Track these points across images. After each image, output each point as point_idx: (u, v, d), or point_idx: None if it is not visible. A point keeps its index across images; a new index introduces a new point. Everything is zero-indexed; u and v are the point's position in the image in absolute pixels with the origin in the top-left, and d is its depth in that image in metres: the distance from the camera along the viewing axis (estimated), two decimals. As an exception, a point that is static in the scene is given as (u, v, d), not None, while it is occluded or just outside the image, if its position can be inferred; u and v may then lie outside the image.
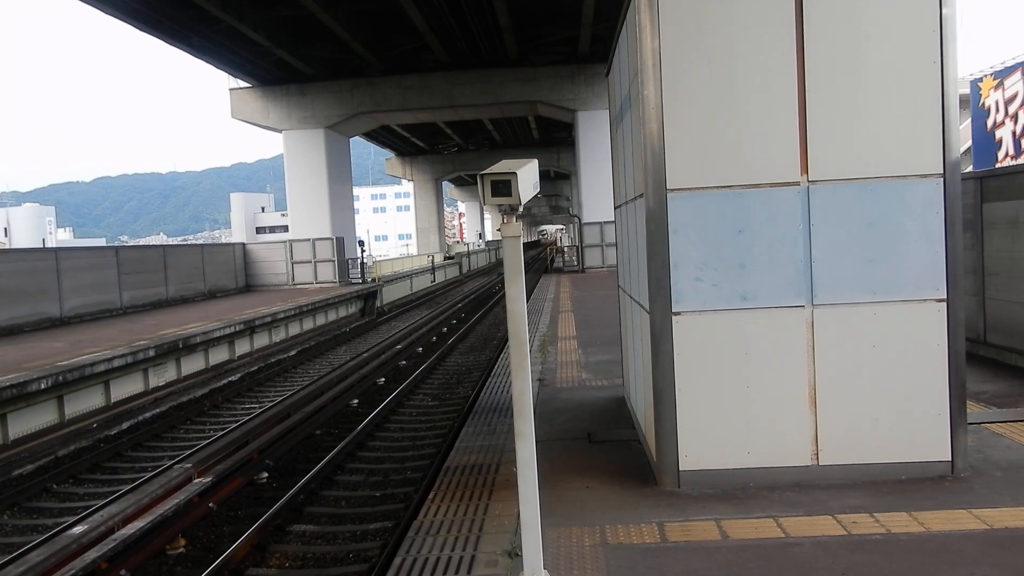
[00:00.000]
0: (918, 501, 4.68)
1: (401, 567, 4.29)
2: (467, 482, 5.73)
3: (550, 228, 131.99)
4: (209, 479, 8.76)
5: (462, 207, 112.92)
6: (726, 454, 5.13)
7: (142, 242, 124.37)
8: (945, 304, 5.01)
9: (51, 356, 13.50)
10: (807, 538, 4.27)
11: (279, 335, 21.06)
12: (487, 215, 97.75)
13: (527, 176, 3.17)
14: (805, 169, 5.03)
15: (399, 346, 19.14)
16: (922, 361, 5.03)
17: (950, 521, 4.38)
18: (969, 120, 20.95)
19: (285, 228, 53.14)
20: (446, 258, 53.16)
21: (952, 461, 5.05)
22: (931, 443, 5.05)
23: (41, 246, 64.26)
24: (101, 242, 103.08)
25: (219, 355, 17.61)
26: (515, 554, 4.25)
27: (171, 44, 28.30)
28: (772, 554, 4.12)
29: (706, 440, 5.13)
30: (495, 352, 17.37)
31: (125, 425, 12.37)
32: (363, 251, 34.78)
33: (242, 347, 18.76)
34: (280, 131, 34.41)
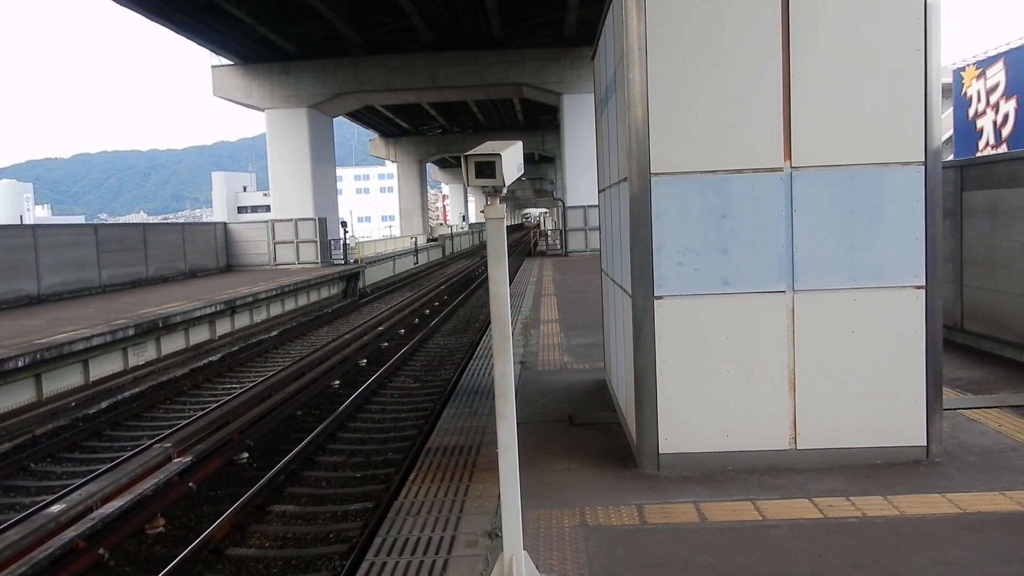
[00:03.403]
0: (893, 485, 4.74)
1: (381, 547, 4.31)
2: (448, 463, 5.75)
3: (534, 211, 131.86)
4: (189, 459, 8.73)
5: (446, 189, 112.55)
6: (706, 437, 5.17)
7: (122, 220, 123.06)
8: (924, 291, 5.06)
9: (28, 334, 13.36)
10: (784, 521, 4.33)
11: (260, 315, 20.95)
12: (471, 197, 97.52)
13: (511, 158, 3.16)
14: (788, 155, 5.04)
15: (381, 328, 19.09)
16: (900, 347, 5.08)
17: (924, 505, 4.45)
18: (951, 109, 21.09)
19: (267, 208, 52.81)
20: (429, 240, 53.06)
21: (927, 446, 5.12)
22: (907, 428, 5.12)
23: (18, 223, 63.49)
24: (80, 220, 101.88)
25: (199, 335, 17.49)
26: (495, 535, 4.27)
27: (152, 20, 27.90)
28: (749, 536, 4.17)
29: (686, 423, 5.17)
30: (477, 335, 17.38)
31: (104, 404, 12.28)
32: (346, 232, 34.62)
33: (223, 327, 18.65)
34: (263, 110, 34.09)
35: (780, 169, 5.06)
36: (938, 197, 5.04)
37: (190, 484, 8.03)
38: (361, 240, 43.54)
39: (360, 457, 9.13)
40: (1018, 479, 4.79)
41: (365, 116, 48.91)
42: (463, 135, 57.39)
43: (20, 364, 11.49)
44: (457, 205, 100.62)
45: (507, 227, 3.56)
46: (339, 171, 56.89)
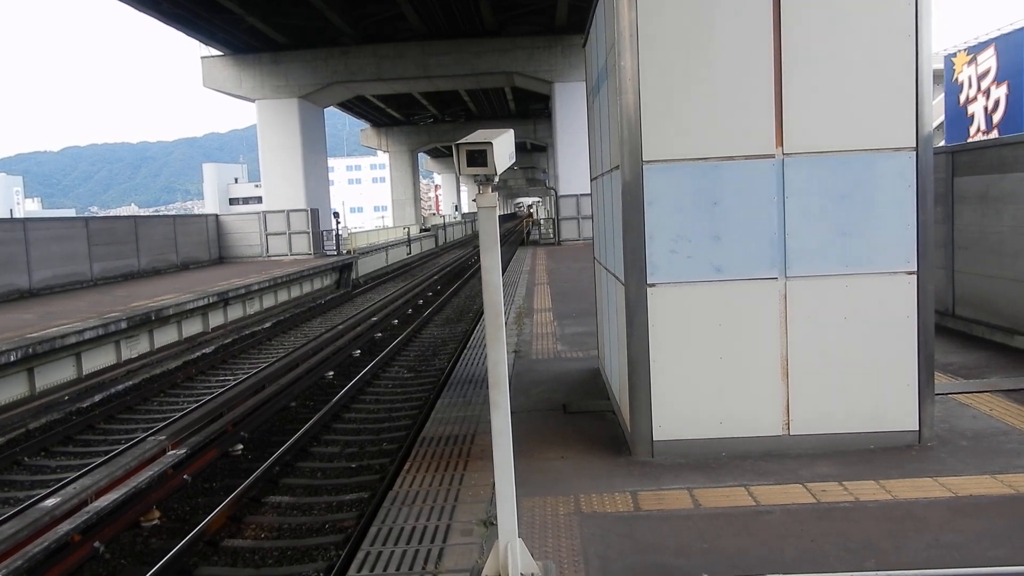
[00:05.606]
0: (886, 470, 4.77)
1: (377, 536, 4.32)
2: (443, 453, 5.76)
3: (526, 200, 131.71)
4: (183, 451, 8.73)
5: (438, 179, 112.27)
6: (699, 424, 5.19)
7: (113, 213, 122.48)
8: (915, 277, 5.08)
9: (20, 328, 13.31)
10: (777, 506, 4.35)
11: (253, 307, 20.91)
12: (463, 187, 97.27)
13: (503, 146, 3.16)
14: (780, 141, 5.05)
15: (375, 318, 19.08)
16: (892, 333, 5.10)
17: (916, 489, 4.47)
18: (942, 95, 21.12)
19: (259, 199, 52.61)
20: (422, 230, 52.94)
21: (919, 431, 5.15)
22: (899, 413, 5.15)
23: (8, 216, 63.12)
24: (71, 213, 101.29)
25: (192, 327, 17.46)
26: (490, 523, 4.28)
27: (140, 10, 27.71)
28: (743, 522, 4.19)
29: (680, 411, 5.19)
30: (471, 324, 17.38)
31: (97, 397, 12.26)
32: (338, 223, 34.52)
33: (216, 319, 18.61)
34: (253, 100, 33.92)
35: (772, 155, 5.06)
36: (929, 183, 5.05)
37: (185, 476, 8.02)
38: (353, 231, 43.40)
39: (355, 447, 9.13)
40: (1009, 462, 4.83)
41: (356, 106, 48.73)
42: (455, 124, 57.22)
43: (12, 359, 11.45)
44: (450, 195, 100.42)
45: (499, 216, 3.55)
46: (331, 162, 56.63)
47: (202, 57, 33.58)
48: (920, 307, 5.09)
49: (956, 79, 20.17)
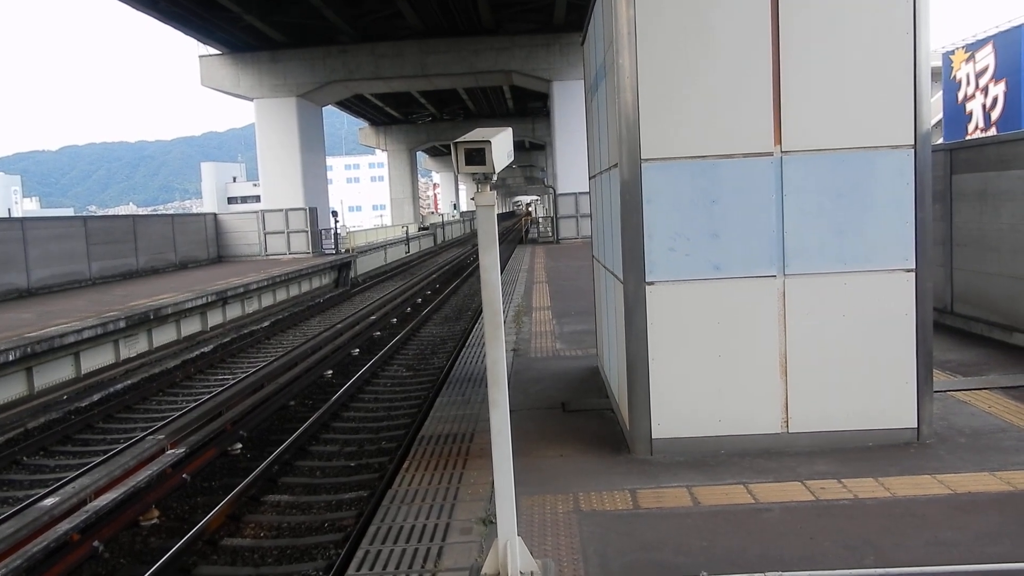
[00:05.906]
0: (884, 467, 4.77)
1: (376, 535, 4.32)
2: (442, 451, 5.76)
3: (524, 199, 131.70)
4: (182, 450, 8.72)
5: (436, 177, 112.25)
6: (698, 422, 5.19)
7: (111, 212, 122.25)
8: (914, 274, 5.08)
9: (18, 327, 13.29)
10: (776, 504, 4.35)
11: (252, 306, 20.89)
12: (462, 185, 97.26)
13: (501, 144, 3.16)
14: (779, 139, 5.04)
15: (373, 317, 19.08)
16: (890, 330, 5.11)
17: (915, 486, 4.48)
18: (940, 93, 21.12)
19: (257, 198, 52.54)
20: (420, 229, 52.95)
21: (918, 428, 5.15)
22: (898, 411, 5.15)
23: (7, 216, 63.05)
24: (69, 212, 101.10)
25: (191, 326, 17.45)
26: (489, 521, 4.28)
27: (138, 9, 27.68)
28: (742, 519, 4.19)
29: (678, 409, 5.19)
30: (469, 323, 17.38)
31: (96, 397, 12.25)
32: (337, 221, 34.52)
33: (214, 318, 18.59)
34: (251, 99, 33.91)
35: (770, 154, 5.06)
36: (927, 180, 5.05)
37: (184, 475, 8.02)
38: (352, 229, 43.37)
39: (354, 446, 9.13)
40: (1008, 459, 4.83)
41: (355, 105, 48.71)
42: (453, 123, 57.19)
43: (11, 358, 11.44)
44: (448, 193, 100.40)
45: (498, 214, 3.56)
46: (329, 160, 56.60)
47: (200, 56, 33.55)
48: (918, 304, 5.09)
49: (954, 76, 20.17)
